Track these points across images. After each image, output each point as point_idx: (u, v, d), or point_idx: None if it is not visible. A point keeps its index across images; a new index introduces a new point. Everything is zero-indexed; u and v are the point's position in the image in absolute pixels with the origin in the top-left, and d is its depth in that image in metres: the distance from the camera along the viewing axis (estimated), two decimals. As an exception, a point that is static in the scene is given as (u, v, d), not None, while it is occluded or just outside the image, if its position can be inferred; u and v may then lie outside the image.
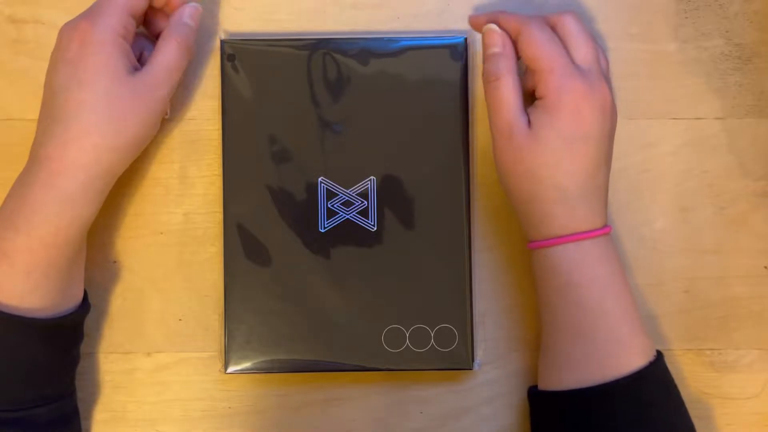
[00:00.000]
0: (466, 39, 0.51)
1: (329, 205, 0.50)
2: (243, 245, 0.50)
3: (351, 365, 0.50)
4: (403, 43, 0.50)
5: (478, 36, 0.52)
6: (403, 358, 0.50)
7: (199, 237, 0.52)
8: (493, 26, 0.47)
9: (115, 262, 0.52)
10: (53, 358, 0.46)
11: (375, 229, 0.50)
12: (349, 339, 0.50)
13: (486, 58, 0.48)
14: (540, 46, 0.45)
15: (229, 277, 0.50)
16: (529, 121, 0.46)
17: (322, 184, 0.50)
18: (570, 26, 0.47)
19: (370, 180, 0.50)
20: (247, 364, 0.50)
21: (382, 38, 0.51)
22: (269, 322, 0.50)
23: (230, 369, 0.50)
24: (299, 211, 0.50)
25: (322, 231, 0.50)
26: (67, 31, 0.46)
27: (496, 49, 0.47)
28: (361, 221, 0.50)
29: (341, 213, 0.50)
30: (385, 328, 0.50)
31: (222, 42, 0.50)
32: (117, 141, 0.45)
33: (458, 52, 0.50)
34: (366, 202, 0.50)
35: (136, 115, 0.46)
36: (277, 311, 0.50)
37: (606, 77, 0.47)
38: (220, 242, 0.51)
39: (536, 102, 0.46)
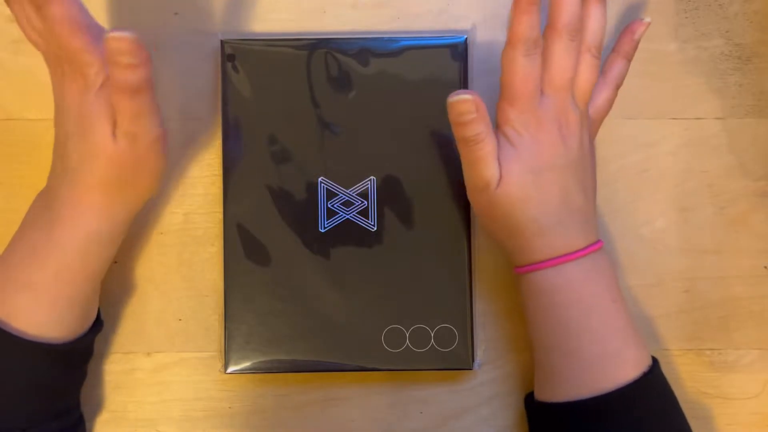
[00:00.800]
0: (466, 39, 0.51)
1: (329, 205, 0.50)
2: (243, 245, 0.50)
3: (351, 365, 0.50)
4: (403, 43, 0.50)
5: (478, 36, 0.52)
6: (403, 358, 0.50)
7: (199, 237, 0.52)
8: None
9: (115, 262, 0.52)
10: (66, 375, 0.47)
11: (375, 229, 0.50)
12: (349, 339, 0.50)
13: (461, 123, 0.44)
14: (514, 74, 0.44)
15: (229, 277, 0.50)
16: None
17: (322, 184, 0.50)
18: (553, 43, 0.45)
19: (370, 180, 0.50)
20: (247, 364, 0.50)
21: (382, 38, 0.51)
22: (269, 322, 0.50)
23: (230, 369, 0.50)
24: (299, 211, 0.50)
25: (322, 231, 0.50)
26: (61, 87, 0.44)
27: (472, 116, 0.44)
28: (361, 221, 0.50)
29: (341, 213, 0.50)
30: (385, 328, 0.50)
31: (222, 42, 0.50)
32: (128, 192, 0.45)
33: (458, 52, 0.50)
34: (366, 202, 0.50)
35: (138, 169, 0.45)
36: (277, 311, 0.50)
37: (580, 97, 0.46)
38: (220, 242, 0.51)
39: (499, 135, 0.45)
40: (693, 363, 0.53)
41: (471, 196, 0.47)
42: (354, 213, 0.50)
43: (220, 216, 0.51)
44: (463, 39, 0.51)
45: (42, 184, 0.52)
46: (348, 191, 0.50)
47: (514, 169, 0.45)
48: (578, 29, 0.45)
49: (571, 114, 0.46)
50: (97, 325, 0.49)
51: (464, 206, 0.50)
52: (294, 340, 0.50)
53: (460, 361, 0.50)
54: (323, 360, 0.50)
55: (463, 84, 0.50)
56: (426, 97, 0.50)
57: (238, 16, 0.53)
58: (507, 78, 0.45)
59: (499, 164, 0.45)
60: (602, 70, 0.49)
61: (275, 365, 0.50)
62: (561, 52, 0.45)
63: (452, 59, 0.50)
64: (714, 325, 0.53)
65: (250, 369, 0.50)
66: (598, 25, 0.47)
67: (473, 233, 0.51)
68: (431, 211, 0.50)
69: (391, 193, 0.50)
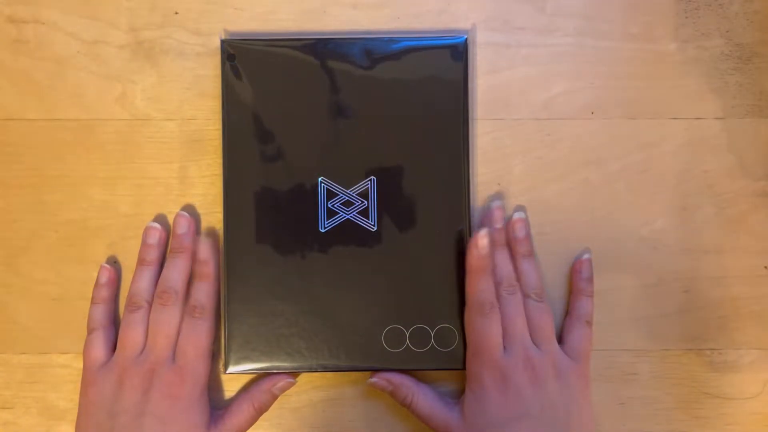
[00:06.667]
0: (466, 39, 0.51)
1: (329, 205, 0.50)
2: (243, 245, 0.50)
3: (351, 365, 0.50)
4: (404, 43, 0.50)
5: (478, 36, 0.52)
6: (403, 358, 0.50)
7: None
8: (483, 231, 0.49)
9: (115, 262, 0.52)
10: None
11: (375, 229, 0.50)
12: (349, 339, 0.50)
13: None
14: (473, 333, 0.48)
15: (229, 277, 0.50)
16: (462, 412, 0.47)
17: (322, 184, 0.50)
18: (500, 298, 0.49)
19: (370, 180, 0.50)
20: (247, 365, 0.50)
21: (383, 38, 0.51)
22: (269, 322, 0.50)
23: (230, 369, 0.50)
24: (299, 211, 0.50)
25: (322, 231, 0.50)
26: (150, 378, 0.47)
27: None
28: (361, 221, 0.50)
29: (341, 213, 0.50)
30: (385, 328, 0.50)
31: (222, 42, 0.50)
32: None
33: (458, 52, 0.50)
34: (366, 202, 0.50)
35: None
36: (277, 311, 0.50)
37: (542, 340, 0.48)
38: (220, 242, 0.51)
39: (465, 390, 0.48)
40: (693, 363, 0.53)
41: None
42: (354, 213, 0.50)
43: (220, 216, 0.51)
44: (463, 39, 0.51)
45: (41, 183, 0.53)
46: (348, 191, 0.50)
47: (478, 424, 0.46)
48: (513, 284, 0.49)
49: (536, 360, 0.47)
50: None
51: (464, 206, 0.50)
52: (294, 340, 0.50)
53: (460, 361, 0.50)
54: (323, 360, 0.50)
55: (463, 84, 0.50)
56: (426, 98, 0.50)
57: (238, 16, 0.53)
58: (469, 336, 0.49)
59: (464, 415, 0.47)
60: (568, 310, 0.51)
61: (275, 365, 0.50)
62: (506, 306, 0.48)
63: (452, 59, 0.50)
64: (714, 325, 0.53)
65: (250, 369, 0.50)
66: (531, 276, 0.50)
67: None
68: (431, 211, 0.50)
69: (391, 193, 0.50)
